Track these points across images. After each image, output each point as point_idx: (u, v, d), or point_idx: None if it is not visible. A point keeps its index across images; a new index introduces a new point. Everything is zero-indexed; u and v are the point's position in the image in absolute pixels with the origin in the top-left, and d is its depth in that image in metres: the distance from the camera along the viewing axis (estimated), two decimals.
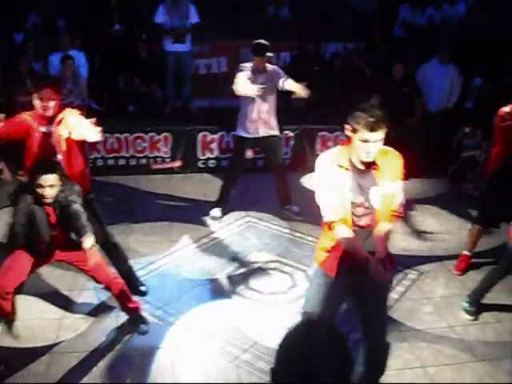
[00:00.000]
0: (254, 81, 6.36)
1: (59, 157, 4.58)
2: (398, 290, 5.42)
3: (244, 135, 6.59)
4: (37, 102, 4.53)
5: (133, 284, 5.14)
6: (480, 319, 5.05)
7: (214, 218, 6.77)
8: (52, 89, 4.55)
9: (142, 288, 5.24)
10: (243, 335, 4.72)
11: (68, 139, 4.59)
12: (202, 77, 9.36)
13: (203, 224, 6.68)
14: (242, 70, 6.45)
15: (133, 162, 8.08)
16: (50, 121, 4.59)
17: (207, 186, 7.71)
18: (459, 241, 6.35)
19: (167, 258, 5.89)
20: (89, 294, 5.24)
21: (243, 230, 6.59)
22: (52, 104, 4.53)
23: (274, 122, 6.63)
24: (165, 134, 8.08)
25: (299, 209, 6.82)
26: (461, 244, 6.16)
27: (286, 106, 7.48)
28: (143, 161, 8.12)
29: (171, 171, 8.14)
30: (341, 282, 3.51)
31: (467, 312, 5.06)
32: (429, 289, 5.48)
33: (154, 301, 5.14)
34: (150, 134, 8.03)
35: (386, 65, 8.55)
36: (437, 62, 8.51)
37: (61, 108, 4.66)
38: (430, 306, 5.22)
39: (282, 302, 5.23)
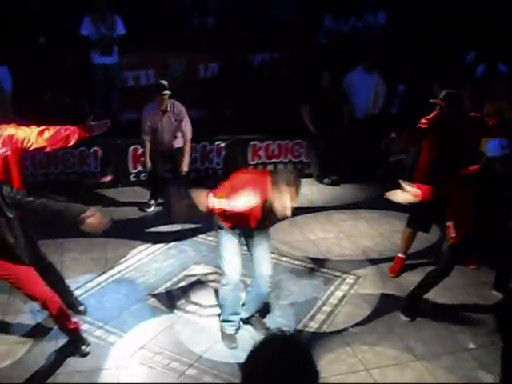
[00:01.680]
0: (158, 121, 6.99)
1: None
2: (336, 295, 5.53)
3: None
4: None
5: (71, 304, 5.03)
6: (417, 318, 5.21)
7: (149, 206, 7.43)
8: None
9: (81, 308, 5.14)
10: (187, 350, 4.68)
11: (6, 157, 4.49)
12: (131, 89, 9.25)
13: (138, 238, 6.61)
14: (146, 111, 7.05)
15: (63, 178, 7.91)
16: None
17: (140, 200, 7.64)
18: (392, 244, 6.54)
19: (104, 276, 5.79)
20: (25, 317, 5.08)
21: (179, 243, 6.55)
22: None
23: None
24: (94, 148, 7.95)
25: None
26: (394, 247, 6.34)
27: (214, 117, 7.51)
28: (73, 176, 7.96)
29: (102, 186, 8.01)
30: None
31: (404, 313, 5.22)
32: (367, 292, 5.60)
33: (93, 320, 5.04)
34: (80, 149, 7.88)
35: (312, 73, 8.71)
36: (361, 70, 8.74)
37: None
38: (368, 309, 5.33)
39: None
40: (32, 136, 4.62)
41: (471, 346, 4.83)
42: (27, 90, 8.37)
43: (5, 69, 7.99)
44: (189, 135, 7.14)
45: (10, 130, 4.58)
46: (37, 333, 4.87)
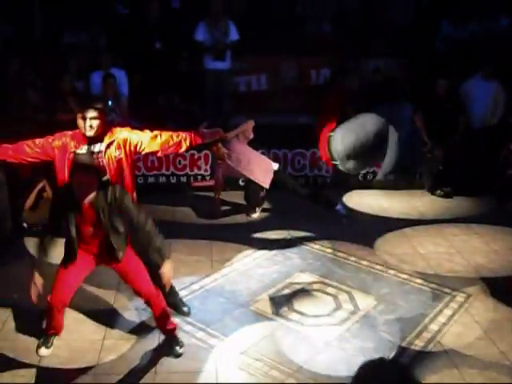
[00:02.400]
0: None
1: (106, 177, 4.57)
2: (445, 314, 5.27)
3: None
4: (80, 122, 4.51)
5: (175, 304, 5.11)
6: None
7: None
8: (96, 109, 4.54)
9: (185, 309, 5.19)
10: (287, 359, 4.61)
11: (120, 160, 4.60)
12: (242, 94, 9.34)
13: (244, 243, 6.63)
14: None
15: (173, 180, 8.09)
16: (91, 141, 4.56)
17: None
18: (507, 261, 6.19)
19: (209, 279, 5.83)
20: (130, 314, 5.21)
21: (285, 250, 6.51)
22: (95, 124, 4.51)
23: None
24: (205, 151, 8.07)
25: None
26: (509, 265, 6.00)
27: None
28: (183, 179, 8.13)
29: (211, 189, 8.11)
30: None
31: None
32: (477, 312, 5.30)
33: (196, 322, 5.07)
34: (190, 152, 8.03)
35: (428, 81, 8.43)
36: (480, 78, 8.37)
37: (105, 128, 4.64)
38: (479, 331, 5.03)
39: (325, 324, 5.12)
40: (145, 140, 4.69)
41: None
42: (142, 93, 8.67)
43: (122, 73, 8.30)
44: None
45: (124, 133, 4.68)
46: (140, 330, 4.97)
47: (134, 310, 5.22)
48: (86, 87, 8.17)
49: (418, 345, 4.83)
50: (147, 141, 4.69)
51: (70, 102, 7.31)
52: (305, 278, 5.87)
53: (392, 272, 6.05)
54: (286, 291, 5.63)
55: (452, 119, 8.10)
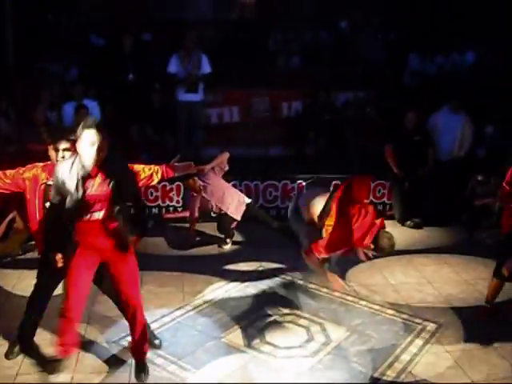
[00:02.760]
0: None
1: None
2: (416, 344, 5.29)
3: None
4: (52, 154, 4.52)
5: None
6: (503, 373, 4.91)
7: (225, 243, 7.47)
8: (68, 140, 4.54)
9: (156, 341, 5.13)
10: None
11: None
12: (214, 126, 9.40)
13: (216, 275, 6.61)
14: None
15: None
16: None
17: (220, 236, 7.67)
18: (477, 292, 6.25)
19: (180, 311, 5.78)
20: (101, 347, 5.12)
21: (257, 281, 6.49)
22: (68, 155, 4.51)
23: None
24: (177, 183, 8.07)
25: None
26: (479, 295, 6.05)
27: (297, 156, 7.49)
28: (155, 210, 8.11)
29: (183, 220, 8.10)
30: None
31: None
32: (448, 342, 5.32)
33: (167, 355, 5.00)
34: (162, 184, 8.03)
35: (397, 114, 8.59)
36: (448, 111, 8.54)
37: None
38: (450, 360, 5.06)
39: (298, 356, 5.11)
40: None
41: None
42: (115, 124, 8.68)
43: (94, 104, 8.31)
44: None
45: None
46: (112, 364, 4.89)
47: (105, 343, 5.15)
48: (58, 118, 8.15)
49: (390, 375, 4.84)
50: None
51: (42, 133, 7.29)
52: (277, 310, 5.85)
53: (363, 303, 6.07)
54: (258, 323, 5.60)
55: (421, 151, 8.24)
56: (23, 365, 4.82)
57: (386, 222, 8.13)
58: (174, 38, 9.46)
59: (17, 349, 4.95)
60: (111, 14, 11.51)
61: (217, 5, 13.05)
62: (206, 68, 8.67)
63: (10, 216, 6.89)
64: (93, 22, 11.75)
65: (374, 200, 8.52)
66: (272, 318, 5.70)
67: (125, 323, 5.34)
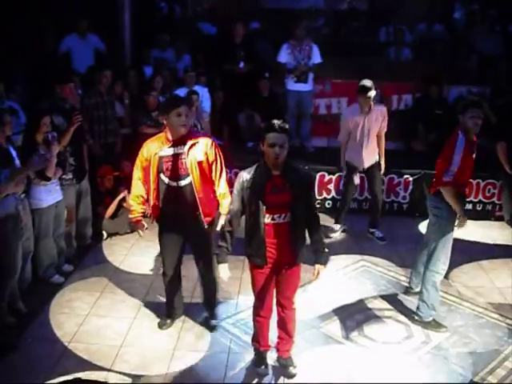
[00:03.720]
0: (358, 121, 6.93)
1: (188, 179, 4.73)
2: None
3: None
4: (174, 120, 4.67)
5: None
6: None
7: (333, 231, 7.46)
8: (188, 106, 4.80)
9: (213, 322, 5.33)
10: None
11: (201, 163, 4.75)
12: (322, 116, 9.38)
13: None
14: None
15: None
16: (174, 143, 4.74)
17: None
18: None
19: None
20: (201, 329, 5.29)
21: (359, 275, 6.47)
22: (188, 121, 4.75)
23: (376, 152, 7.16)
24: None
25: (382, 235, 7.31)
26: None
27: (406, 150, 7.34)
28: None
29: None
30: None
31: None
32: None
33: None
34: None
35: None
36: None
37: (190, 131, 4.85)
38: None
39: (396, 352, 5.06)
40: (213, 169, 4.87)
41: None
42: (224, 111, 8.85)
43: (206, 90, 8.50)
44: None
45: (211, 147, 4.83)
46: (212, 344, 5.06)
47: (205, 326, 5.31)
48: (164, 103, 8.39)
49: (491, 381, 4.71)
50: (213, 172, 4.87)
51: (154, 117, 7.55)
52: (377, 304, 5.82)
53: (467, 304, 5.91)
54: (358, 316, 5.59)
55: None
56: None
57: (494, 224, 7.99)
58: (285, 27, 9.50)
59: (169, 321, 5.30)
60: (222, 3, 11.71)
61: None
62: (317, 58, 8.64)
63: (121, 195, 7.19)
64: (204, 10, 12.03)
65: (483, 199, 8.23)
66: (372, 313, 5.67)
67: (225, 305, 5.52)
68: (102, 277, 6.24)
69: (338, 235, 7.51)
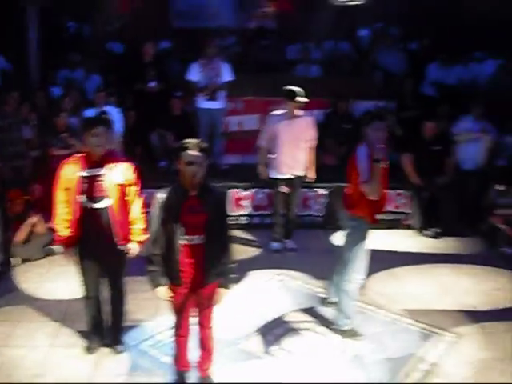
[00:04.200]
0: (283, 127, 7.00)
1: (106, 201, 4.67)
2: (434, 354, 5.29)
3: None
4: (91, 140, 4.62)
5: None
6: None
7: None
8: (105, 126, 4.72)
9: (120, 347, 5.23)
10: None
11: (120, 186, 4.72)
12: (234, 134, 9.45)
13: (236, 282, 6.60)
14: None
15: None
16: (95, 164, 4.69)
17: (238, 243, 7.65)
18: (496, 302, 6.22)
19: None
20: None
21: (276, 289, 6.51)
22: (104, 142, 4.66)
23: (302, 163, 7.23)
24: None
25: (294, 246, 7.49)
26: (499, 305, 6.03)
27: (317, 164, 7.48)
28: None
29: None
30: None
31: None
32: (467, 352, 5.31)
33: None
34: None
35: (416, 124, 8.57)
36: (471, 120, 8.49)
37: (110, 152, 4.80)
38: (468, 371, 5.05)
39: (315, 363, 5.12)
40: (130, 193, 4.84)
41: None
42: (135, 132, 8.77)
43: (117, 111, 8.40)
44: None
45: (129, 170, 4.82)
46: (132, 367, 4.96)
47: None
48: (80, 124, 8.25)
49: None
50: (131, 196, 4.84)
51: (63, 138, 7.41)
52: (295, 317, 5.87)
53: (381, 311, 6.07)
54: (276, 330, 5.62)
55: (440, 161, 8.22)
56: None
57: (406, 232, 8.28)
58: (195, 46, 9.55)
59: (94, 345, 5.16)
60: (132, 23, 11.66)
61: (237, 14, 13.15)
62: (227, 76, 8.71)
63: (31, 220, 6.98)
64: (114, 30, 11.93)
65: (393, 209, 8.50)
66: (290, 326, 5.71)
67: (143, 327, 5.45)
68: (15, 305, 6.02)
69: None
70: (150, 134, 8.92)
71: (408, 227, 8.46)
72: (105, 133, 4.67)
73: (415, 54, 11.78)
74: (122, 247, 4.84)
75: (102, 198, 4.68)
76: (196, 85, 8.67)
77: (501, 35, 11.18)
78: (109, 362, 5.03)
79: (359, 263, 5.37)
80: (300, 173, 7.25)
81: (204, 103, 8.72)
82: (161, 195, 4.23)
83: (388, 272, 6.99)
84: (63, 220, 4.80)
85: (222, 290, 4.40)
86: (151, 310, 5.83)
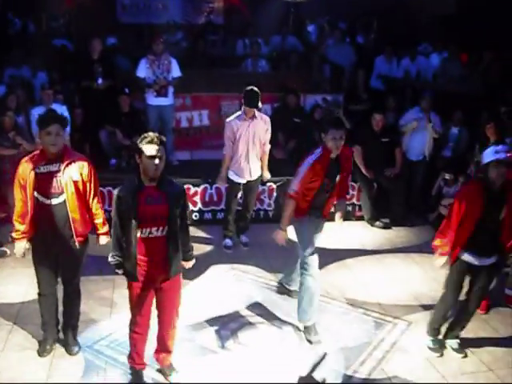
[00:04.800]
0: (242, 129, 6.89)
1: (62, 198, 4.66)
2: (388, 341, 5.40)
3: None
4: (45, 139, 4.59)
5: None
6: (471, 368, 5.05)
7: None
8: (60, 125, 4.64)
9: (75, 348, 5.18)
10: None
11: (76, 183, 4.70)
12: (184, 130, 9.42)
13: (190, 279, 6.60)
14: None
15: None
16: (52, 161, 4.66)
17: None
18: None
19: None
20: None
21: (230, 284, 6.52)
22: (59, 140, 4.61)
23: (259, 164, 7.22)
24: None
25: (247, 240, 7.51)
26: None
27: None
28: None
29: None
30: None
31: (432, 350, 5.24)
32: (419, 338, 5.43)
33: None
34: None
35: (365, 116, 8.70)
36: (418, 111, 8.65)
37: (66, 149, 4.76)
38: (421, 356, 5.19)
39: (270, 356, 5.16)
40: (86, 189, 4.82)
41: None
42: (84, 129, 8.63)
43: (63, 108, 8.24)
44: None
45: (85, 166, 4.79)
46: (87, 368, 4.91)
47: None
48: (27, 122, 8.08)
49: (363, 373, 4.94)
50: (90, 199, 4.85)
51: (10, 138, 7.27)
52: (250, 311, 5.90)
53: (335, 302, 6.15)
54: (232, 324, 5.64)
55: (388, 152, 8.36)
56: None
57: (357, 223, 8.40)
58: (143, 42, 9.48)
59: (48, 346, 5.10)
60: (78, 19, 11.49)
61: (185, 9, 13.10)
62: (176, 72, 8.66)
63: None
64: (60, 26, 11.74)
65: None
66: (245, 320, 5.74)
67: (96, 328, 5.38)
68: None
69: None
70: (99, 131, 8.78)
71: (359, 218, 8.58)
72: (59, 131, 4.62)
73: (363, 47, 11.97)
74: (78, 244, 4.81)
75: (57, 195, 4.66)
76: (144, 81, 8.61)
77: (445, 29, 11.50)
78: (64, 364, 4.96)
79: (312, 256, 5.39)
80: (257, 174, 7.25)
81: (153, 100, 8.67)
82: (117, 190, 4.28)
83: (340, 263, 7.09)
84: (20, 216, 4.74)
85: (186, 263, 4.60)
86: (106, 309, 5.80)
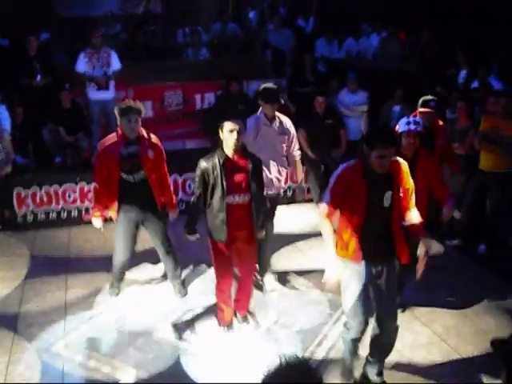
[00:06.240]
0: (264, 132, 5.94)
1: (142, 174, 5.47)
2: (343, 320, 5.47)
3: None
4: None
5: None
6: (425, 339, 5.21)
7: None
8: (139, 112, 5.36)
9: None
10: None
11: (152, 160, 5.52)
12: None
13: (141, 273, 6.57)
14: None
15: (64, 215, 7.93)
16: (127, 142, 5.44)
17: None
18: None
19: (109, 311, 5.76)
20: (31, 358, 5.06)
21: (187, 277, 6.47)
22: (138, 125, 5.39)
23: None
24: (95, 183, 7.94)
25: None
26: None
27: (213, 147, 7.49)
28: (75, 212, 7.99)
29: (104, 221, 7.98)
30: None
31: None
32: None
33: (100, 356, 5.00)
34: (80, 185, 7.93)
35: (308, 99, 8.75)
36: (347, 91, 8.81)
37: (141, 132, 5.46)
38: None
39: (228, 342, 5.22)
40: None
41: None
42: (26, 128, 8.44)
43: (3, 108, 8.06)
44: None
45: (158, 145, 5.62)
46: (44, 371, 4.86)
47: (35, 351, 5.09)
48: None
49: (320, 354, 5.03)
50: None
51: None
52: (204, 302, 5.90)
53: (289, 285, 6.23)
54: (188, 315, 5.67)
55: (333, 134, 8.43)
56: None
57: (305, 206, 8.48)
58: (81, 35, 9.30)
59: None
60: (11, 14, 11.17)
61: (122, 0, 12.90)
62: (116, 65, 8.55)
63: None
64: None
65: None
66: (200, 309, 5.77)
67: (54, 329, 5.33)
68: None
69: None
70: (41, 129, 8.61)
71: (307, 201, 8.66)
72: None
73: (303, 30, 12.04)
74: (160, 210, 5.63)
75: (139, 172, 5.42)
76: (84, 76, 8.48)
77: (383, 9, 11.65)
78: (19, 370, 4.89)
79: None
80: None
81: (94, 94, 8.55)
82: (201, 162, 4.82)
83: (292, 247, 7.16)
84: (102, 200, 5.67)
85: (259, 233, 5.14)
86: (60, 309, 5.75)
